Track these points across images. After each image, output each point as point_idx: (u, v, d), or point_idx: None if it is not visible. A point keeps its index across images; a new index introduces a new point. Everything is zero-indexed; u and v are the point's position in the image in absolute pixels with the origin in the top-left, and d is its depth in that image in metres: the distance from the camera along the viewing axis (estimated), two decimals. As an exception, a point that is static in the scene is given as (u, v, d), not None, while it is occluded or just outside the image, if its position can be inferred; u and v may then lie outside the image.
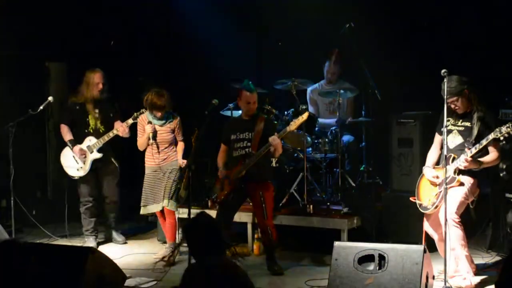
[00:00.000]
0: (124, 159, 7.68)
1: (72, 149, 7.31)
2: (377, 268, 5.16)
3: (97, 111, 7.31)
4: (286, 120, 7.41)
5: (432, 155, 5.98)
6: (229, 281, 3.75)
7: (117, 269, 5.78)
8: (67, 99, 7.46)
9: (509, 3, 7.48)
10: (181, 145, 6.93)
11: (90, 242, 7.40)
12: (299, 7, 8.33)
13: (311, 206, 7.06)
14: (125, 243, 7.60)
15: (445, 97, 5.55)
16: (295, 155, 7.59)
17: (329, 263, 5.38)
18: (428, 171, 5.88)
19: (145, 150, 6.90)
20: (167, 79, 9.23)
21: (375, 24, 7.97)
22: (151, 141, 6.77)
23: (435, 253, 5.96)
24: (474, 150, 5.56)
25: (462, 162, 5.58)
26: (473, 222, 6.87)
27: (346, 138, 7.82)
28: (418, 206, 5.93)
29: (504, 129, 5.37)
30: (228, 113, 7.69)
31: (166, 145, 6.84)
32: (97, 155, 7.28)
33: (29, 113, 7.45)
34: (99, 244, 7.53)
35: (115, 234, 7.64)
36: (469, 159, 5.55)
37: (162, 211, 6.88)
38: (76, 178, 7.42)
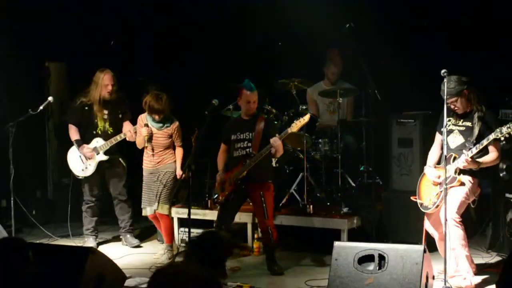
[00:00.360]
0: (131, 157, 7.62)
1: (78, 149, 7.30)
2: (377, 268, 5.16)
3: (106, 112, 7.27)
4: (286, 120, 7.42)
5: (433, 154, 5.98)
6: None
7: (117, 269, 5.77)
8: (75, 99, 7.39)
9: (509, 3, 7.47)
10: (179, 152, 6.86)
11: (90, 242, 7.41)
12: (299, 7, 8.32)
13: (311, 206, 7.06)
14: (139, 246, 7.50)
15: (445, 97, 5.55)
16: (295, 155, 7.59)
17: (329, 263, 5.37)
18: (430, 170, 5.88)
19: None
20: (167, 79, 9.24)
21: (375, 24, 7.97)
22: (146, 143, 6.74)
23: (435, 253, 5.96)
24: (474, 150, 5.56)
25: (462, 162, 5.59)
26: (473, 222, 6.89)
27: (346, 138, 7.82)
28: (419, 206, 5.93)
29: (504, 129, 5.37)
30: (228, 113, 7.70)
31: (161, 149, 6.80)
32: (103, 157, 7.26)
33: (29, 113, 7.44)
34: (99, 244, 7.53)
35: (129, 236, 7.53)
36: (469, 159, 5.56)
37: (153, 218, 6.89)
38: (80, 178, 7.42)
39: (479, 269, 6.03)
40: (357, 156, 7.85)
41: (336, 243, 5.37)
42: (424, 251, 5.12)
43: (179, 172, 6.78)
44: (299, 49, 8.51)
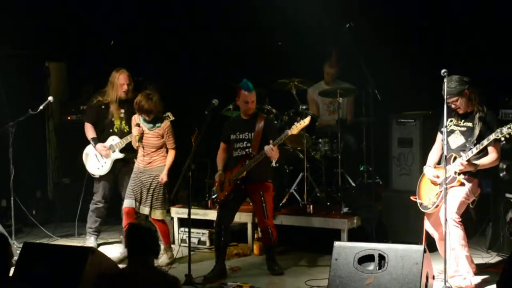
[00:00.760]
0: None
1: (95, 147, 7.26)
2: (377, 268, 5.16)
3: (122, 111, 7.24)
4: (286, 120, 7.42)
5: (434, 154, 5.97)
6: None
7: (117, 269, 5.77)
8: (92, 98, 7.34)
9: (509, 3, 7.47)
10: (171, 155, 6.70)
11: (90, 241, 7.38)
12: (299, 7, 8.32)
13: (311, 206, 7.06)
14: None
15: (445, 97, 5.55)
16: (295, 155, 7.59)
17: (329, 263, 5.37)
18: (429, 170, 5.88)
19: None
20: (167, 79, 9.24)
21: (375, 24, 7.97)
22: (137, 143, 6.67)
23: (435, 253, 5.96)
24: (475, 150, 5.56)
25: (457, 165, 5.58)
26: (473, 222, 6.89)
27: (346, 138, 7.82)
28: (418, 205, 5.93)
29: (505, 129, 5.37)
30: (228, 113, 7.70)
31: (153, 150, 6.68)
32: (119, 155, 7.22)
33: (29, 113, 7.44)
34: (99, 245, 7.50)
35: None
36: (465, 163, 5.56)
37: (128, 212, 6.70)
38: (96, 176, 7.37)
39: (479, 269, 6.03)
40: (357, 156, 7.85)
41: (336, 243, 5.37)
42: (424, 251, 5.12)
43: (162, 177, 6.62)
44: (299, 49, 8.50)
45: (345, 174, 7.56)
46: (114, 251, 7.18)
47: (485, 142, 5.51)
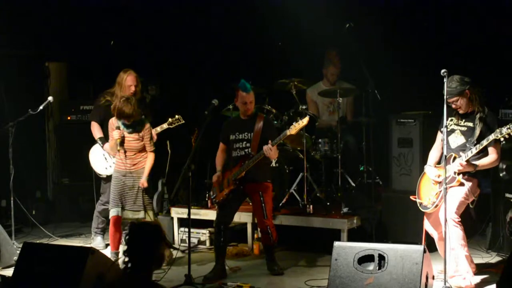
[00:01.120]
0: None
1: (102, 146, 7.19)
2: (377, 268, 5.16)
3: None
4: (286, 120, 7.42)
5: (434, 154, 5.97)
6: None
7: (117, 269, 5.78)
8: (100, 97, 7.27)
9: (509, 3, 7.48)
10: (150, 158, 6.58)
11: (97, 241, 7.36)
12: (299, 7, 8.32)
13: (311, 206, 7.06)
14: None
15: (445, 96, 5.55)
16: (295, 155, 7.59)
17: (329, 263, 5.37)
18: (430, 170, 5.88)
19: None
20: (167, 79, 9.25)
21: (375, 24, 7.97)
22: (118, 147, 6.54)
23: (435, 253, 5.96)
24: (474, 151, 5.56)
25: (456, 166, 5.58)
26: (473, 222, 6.89)
27: (346, 138, 7.81)
28: (418, 205, 5.93)
29: (504, 130, 5.36)
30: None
31: (135, 152, 6.58)
32: None
33: (29, 113, 7.44)
34: (107, 245, 7.44)
35: None
36: (464, 163, 5.56)
37: (115, 221, 6.59)
38: (103, 176, 7.31)
39: (479, 269, 6.03)
40: (357, 156, 7.85)
41: (336, 243, 5.37)
42: (424, 251, 5.12)
43: (142, 181, 6.52)
44: (299, 49, 8.51)
45: (345, 174, 7.56)
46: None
47: (484, 142, 5.51)
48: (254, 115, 6.56)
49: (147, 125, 6.62)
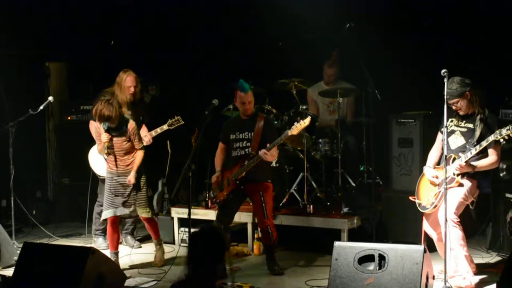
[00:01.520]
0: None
1: None
2: (377, 268, 5.16)
3: (129, 113, 7.11)
4: (286, 120, 7.42)
5: (433, 154, 5.97)
6: None
7: (117, 269, 5.79)
8: (100, 96, 7.08)
9: (509, 3, 7.48)
10: (139, 155, 6.54)
11: (99, 242, 7.36)
12: (299, 6, 8.32)
13: (311, 206, 7.06)
14: (140, 247, 7.48)
15: (445, 97, 5.55)
16: (295, 155, 7.59)
17: (329, 263, 5.37)
18: (428, 170, 5.88)
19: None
20: (167, 79, 9.25)
21: (376, 24, 7.97)
22: (106, 150, 6.47)
23: (435, 253, 5.96)
24: (474, 152, 5.55)
25: (455, 167, 5.57)
26: (473, 222, 6.89)
27: (347, 138, 7.81)
28: (417, 206, 5.93)
29: (504, 131, 5.36)
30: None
31: (125, 153, 6.54)
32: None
33: (29, 113, 7.44)
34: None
35: (129, 238, 7.48)
36: (463, 164, 5.55)
37: (112, 222, 6.59)
38: (102, 177, 7.23)
39: (479, 269, 6.03)
40: (357, 156, 7.85)
41: (336, 243, 5.37)
42: (424, 251, 5.13)
43: (130, 179, 6.47)
44: (299, 49, 8.51)
45: (345, 174, 7.56)
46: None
47: (483, 143, 5.51)
48: (255, 114, 6.56)
49: (133, 124, 6.56)
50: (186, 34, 9.17)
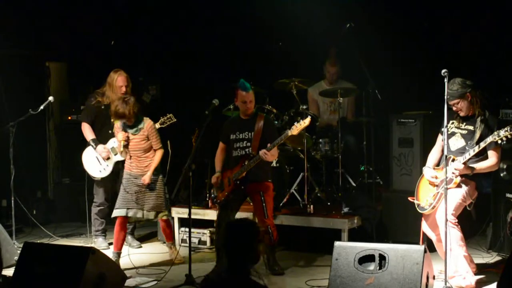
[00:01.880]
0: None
1: (95, 148, 7.16)
2: (378, 268, 5.16)
3: None
4: (287, 120, 7.42)
5: (433, 155, 5.97)
6: None
7: (117, 269, 5.78)
8: (91, 97, 7.26)
9: (509, 3, 7.48)
10: (158, 155, 6.58)
11: (100, 242, 7.36)
12: (299, 7, 8.33)
13: (312, 206, 7.06)
14: (140, 247, 7.49)
15: (446, 98, 5.54)
16: (296, 154, 7.59)
17: (329, 263, 5.37)
18: (428, 171, 5.88)
19: None
20: (167, 79, 9.25)
21: (376, 24, 7.98)
22: (122, 149, 6.51)
23: (435, 253, 5.96)
24: (472, 153, 5.55)
25: (453, 168, 5.57)
26: (473, 222, 6.89)
27: (347, 138, 7.81)
28: (416, 206, 5.93)
29: (502, 132, 5.36)
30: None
31: (142, 153, 6.56)
32: (120, 158, 7.05)
33: (29, 113, 7.44)
34: (110, 244, 7.42)
35: (130, 238, 7.46)
36: (461, 166, 5.54)
37: (121, 221, 6.59)
38: (97, 179, 7.29)
39: (479, 269, 6.03)
40: (358, 156, 7.85)
41: (337, 243, 5.37)
42: (425, 251, 5.13)
43: (145, 178, 6.50)
44: (299, 49, 8.51)
45: (346, 174, 7.56)
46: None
47: (482, 144, 5.50)
48: (255, 114, 6.56)
49: (151, 123, 6.59)
50: (186, 34, 9.17)
